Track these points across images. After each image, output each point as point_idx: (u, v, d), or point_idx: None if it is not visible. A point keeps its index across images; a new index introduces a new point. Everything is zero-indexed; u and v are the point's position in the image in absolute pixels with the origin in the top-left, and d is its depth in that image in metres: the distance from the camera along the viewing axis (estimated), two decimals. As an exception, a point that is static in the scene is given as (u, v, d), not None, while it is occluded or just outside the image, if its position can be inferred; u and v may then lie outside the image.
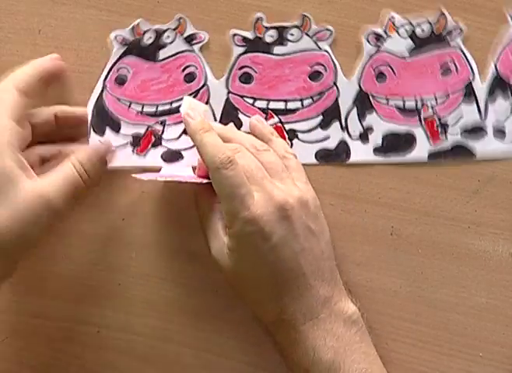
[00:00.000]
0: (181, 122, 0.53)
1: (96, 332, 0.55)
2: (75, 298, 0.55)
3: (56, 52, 0.53)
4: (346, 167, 0.55)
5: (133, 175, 0.51)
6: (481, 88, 0.54)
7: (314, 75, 0.54)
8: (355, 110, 0.55)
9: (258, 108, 0.54)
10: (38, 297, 0.55)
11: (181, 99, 0.54)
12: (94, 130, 0.53)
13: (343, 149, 0.55)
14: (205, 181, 0.50)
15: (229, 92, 0.54)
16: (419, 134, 0.54)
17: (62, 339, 0.55)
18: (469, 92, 0.54)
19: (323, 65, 0.54)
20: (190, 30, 0.53)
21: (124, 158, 0.53)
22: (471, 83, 0.54)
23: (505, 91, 0.54)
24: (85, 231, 0.55)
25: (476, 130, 0.54)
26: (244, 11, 0.54)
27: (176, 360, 0.55)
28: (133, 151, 0.54)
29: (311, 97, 0.54)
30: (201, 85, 0.54)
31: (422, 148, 0.54)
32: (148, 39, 0.53)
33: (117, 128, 0.53)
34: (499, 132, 0.54)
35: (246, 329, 0.54)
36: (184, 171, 0.53)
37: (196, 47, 0.54)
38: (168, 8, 0.54)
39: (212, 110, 0.54)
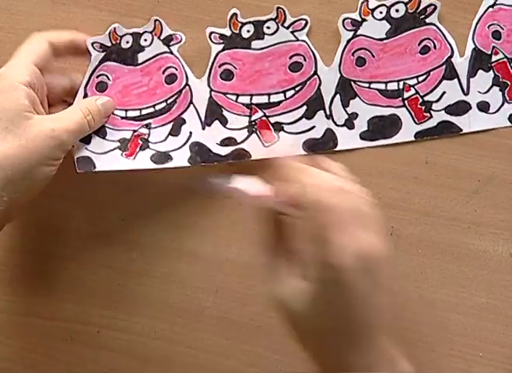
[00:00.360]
0: (167, 124, 0.54)
1: (96, 332, 0.55)
2: (75, 298, 0.55)
3: (56, 52, 0.53)
4: (346, 167, 0.55)
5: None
6: (461, 62, 0.54)
7: (294, 66, 0.54)
8: (338, 97, 0.54)
9: (242, 104, 0.54)
10: (38, 297, 0.55)
11: (165, 101, 0.54)
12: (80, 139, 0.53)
13: (330, 137, 0.55)
14: (290, 211, 0.46)
15: (211, 91, 0.55)
16: (404, 114, 0.54)
17: (62, 339, 0.55)
18: (450, 68, 0.54)
19: (302, 55, 0.54)
20: (166, 32, 0.54)
21: (113, 161, 0.54)
22: (450, 59, 0.54)
23: (484, 62, 0.54)
24: (86, 231, 0.55)
25: (460, 105, 0.54)
26: (245, 11, 0.54)
27: (176, 360, 0.55)
28: (121, 155, 0.53)
29: (293, 88, 0.55)
30: (182, 85, 0.54)
31: (407, 129, 0.54)
32: (125, 43, 0.53)
33: (103, 135, 0.53)
34: (483, 104, 0.54)
35: (246, 329, 0.54)
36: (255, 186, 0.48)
37: (174, 48, 0.54)
38: (168, 8, 0.55)
39: (196, 110, 0.55)
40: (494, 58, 0.54)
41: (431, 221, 0.54)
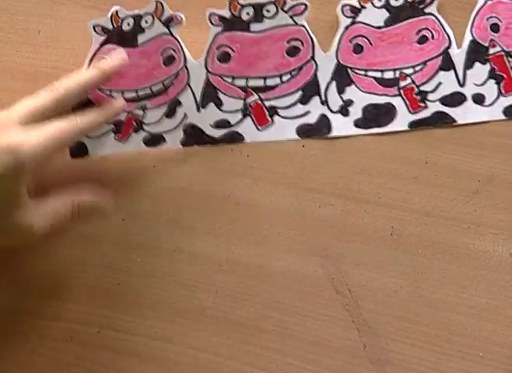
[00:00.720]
0: (163, 105, 0.54)
1: (96, 332, 0.55)
2: (75, 298, 0.55)
3: (56, 52, 0.54)
4: (346, 167, 0.55)
5: None
6: (458, 54, 0.54)
7: (292, 51, 0.55)
8: (334, 84, 0.55)
9: (237, 86, 0.54)
10: (38, 297, 0.55)
11: (161, 82, 0.54)
12: None
13: (324, 123, 0.55)
14: None
15: (208, 72, 0.55)
16: (399, 103, 0.54)
17: (62, 339, 0.55)
18: (446, 59, 0.54)
19: (300, 40, 0.55)
20: (167, 13, 0.54)
21: (105, 145, 0.54)
22: (447, 50, 0.54)
23: (481, 55, 0.54)
24: (85, 231, 0.55)
25: (455, 96, 0.54)
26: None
27: (176, 360, 0.54)
28: (115, 137, 0.53)
29: (290, 73, 0.55)
30: (180, 67, 0.54)
31: (402, 118, 0.54)
32: (126, 26, 0.53)
33: None
34: (479, 96, 0.54)
35: (246, 329, 0.54)
36: None
37: (174, 29, 0.53)
38: (169, 7, 0.54)
39: (192, 91, 0.55)
40: (491, 51, 0.54)
41: (431, 221, 0.54)
